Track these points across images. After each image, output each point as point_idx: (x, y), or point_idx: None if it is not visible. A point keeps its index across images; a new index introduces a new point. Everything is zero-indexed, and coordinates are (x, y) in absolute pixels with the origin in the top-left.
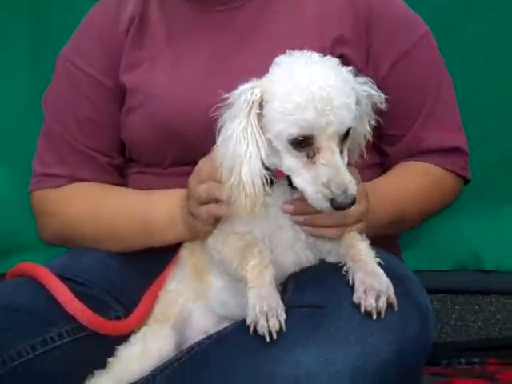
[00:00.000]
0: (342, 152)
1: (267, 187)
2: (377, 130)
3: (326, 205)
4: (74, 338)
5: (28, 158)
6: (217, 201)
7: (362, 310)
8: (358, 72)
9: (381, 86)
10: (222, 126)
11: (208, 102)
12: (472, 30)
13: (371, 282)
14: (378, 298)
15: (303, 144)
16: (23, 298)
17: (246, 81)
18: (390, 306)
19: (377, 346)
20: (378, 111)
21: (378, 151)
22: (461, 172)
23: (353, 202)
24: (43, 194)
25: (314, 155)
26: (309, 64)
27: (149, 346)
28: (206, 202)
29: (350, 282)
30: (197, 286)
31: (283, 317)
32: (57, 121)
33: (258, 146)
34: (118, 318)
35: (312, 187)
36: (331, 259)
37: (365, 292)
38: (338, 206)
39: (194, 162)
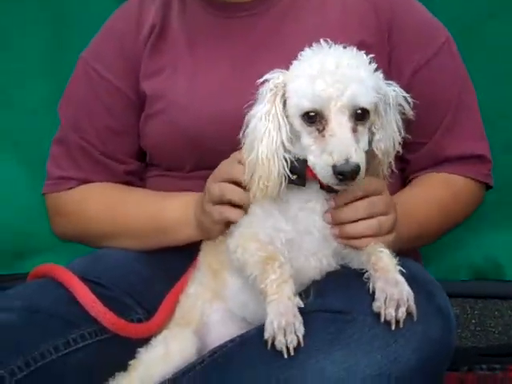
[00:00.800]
0: (355, 132)
1: (287, 170)
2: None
3: (330, 173)
4: (96, 340)
5: (44, 162)
6: (232, 204)
7: (382, 319)
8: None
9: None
10: (248, 120)
11: (228, 109)
12: (493, 35)
13: (392, 291)
14: (397, 308)
15: (314, 119)
16: (45, 300)
17: None
18: (409, 315)
19: (401, 352)
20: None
21: (399, 158)
22: (484, 179)
23: (355, 171)
24: (58, 196)
25: (324, 129)
26: (329, 48)
27: (170, 348)
28: (219, 203)
29: (371, 291)
30: (213, 285)
31: (301, 331)
32: (73, 126)
33: (279, 128)
34: (139, 320)
35: (319, 160)
36: (353, 266)
37: (385, 301)
38: (338, 172)
39: (214, 167)
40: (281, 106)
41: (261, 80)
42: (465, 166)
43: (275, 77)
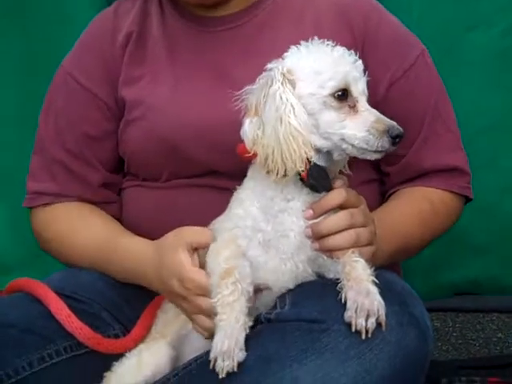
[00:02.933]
0: None
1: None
2: None
3: (384, 140)
4: (71, 356)
5: (18, 176)
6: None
7: (353, 329)
8: None
9: (380, 107)
10: (249, 107)
11: (208, 117)
12: (472, 48)
13: (362, 301)
14: (367, 318)
15: (343, 97)
16: (19, 314)
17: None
18: (380, 325)
19: (375, 361)
20: None
21: (377, 169)
22: (463, 192)
23: (403, 134)
24: (35, 213)
25: (355, 105)
26: (315, 42)
27: (143, 357)
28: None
29: (343, 300)
30: None
31: (239, 358)
32: (52, 135)
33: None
34: (116, 336)
35: (363, 131)
36: (330, 275)
37: (356, 311)
38: (396, 135)
39: (191, 176)
40: (291, 88)
41: (270, 65)
42: (443, 180)
43: (280, 64)
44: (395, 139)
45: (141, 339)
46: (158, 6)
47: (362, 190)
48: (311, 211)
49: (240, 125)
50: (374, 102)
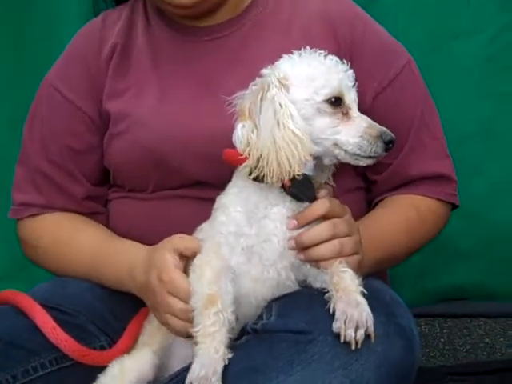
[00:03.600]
0: None
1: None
2: None
3: (377, 146)
4: (57, 368)
5: (3, 187)
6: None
7: (342, 340)
8: None
9: (366, 116)
10: (242, 111)
11: (193, 128)
12: (459, 56)
13: (352, 312)
14: (356, 329)
15: (336, 103)
16: (4, 327)
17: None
18: (368, 336)
19: (361, 371)
20: None
21: (363, 177)
22: (449, 199)
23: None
24: (22, 224)
25: (347, 112)
26: (306, 51)
27: (125, 365)
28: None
29: (331, 311)
30: None
31: None
32: (36, 147)
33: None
34: (102, 347)
35: (356, 137)
36: (316, 285)
37: (345, 322)
38: (389, 140)
39: (177, 187)
40: (286, 93)
41: (265, 71)
42: (429, 187)
43: (275, 71)
44: (388, 145)
45: (127, 350)
46: (144, 16)
47: (348, 197)
48: (295, 221)
49: (227, 134)
50: (360, 111)
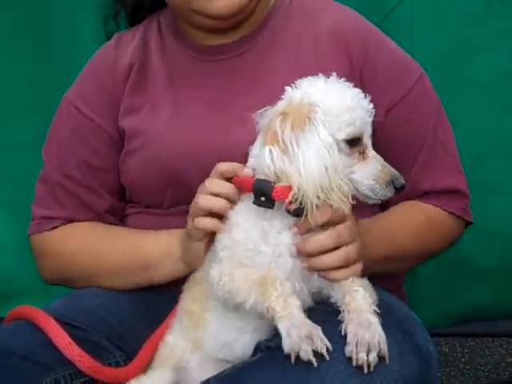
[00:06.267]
0: None
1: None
2: None
3: (388, 190)
4: None
5: (26, 203)
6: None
7: (354, 363)
8: None
9: (378, 131)
10: (269, 131)
11: (207, 145)
12: (477, 71)
13: (363, 334)
14: (369, 352)
15: (355, 142)
16: (20, 342)
17: (244, 126)
18: (381, 359)
19: None
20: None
21: None
22: (460, 214)
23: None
24: (42, 236)
25: (364, 151)
26: (330, 78)
27: (143, 382)
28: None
29: (343, 333)
30: (192, 333)
31: (326, 340)
32: (56, 165)
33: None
34: (117, 364)
35: (370, 179)
36: (331, 299)
37: (356, 345)
38: (400, 186)
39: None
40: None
41: (291, 91)
42: (441, 200)
43: (304, 94)
44: (398, 190)
45: (142, 368)
46: (158, 35)
47: (364, 213)
48: (296, 228)
49: (240, 152)
50: (373, 125)
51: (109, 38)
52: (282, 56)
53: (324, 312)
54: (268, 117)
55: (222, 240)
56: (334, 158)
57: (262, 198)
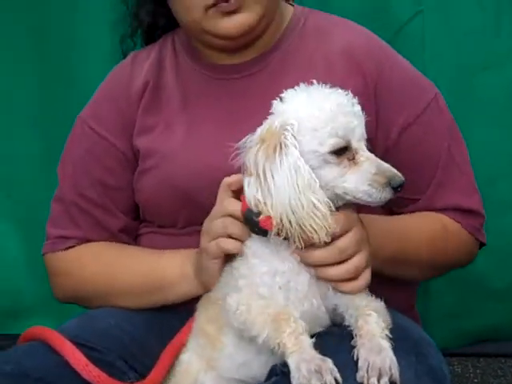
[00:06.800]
0: None
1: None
2: None
3: (386, 191)
4: None
5: (36, 221)
6: (230, 237)
7: None
8: (368, 136)
9: (392, 151)
10: (247, 165)
11: (221, 165)
12: (487, 87)
13: (374, 359)
14: (380, 377)
15: (342, 151)
16: (34, 363)
17: None
18: None
19: None
20: None
21: (388, 211)
22: (473, 232)
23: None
24: (56, 256)
25: (354, 157)
26: (313, 87)
27: None
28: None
29: (355, 358)
30: (208, 353)
31: (336, 372)
32: (71, 184)
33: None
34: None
35: (365, 185)
36: (347, 318)
37: (367, 370)
38: (397, 185)
39: None
40: (297, 145)
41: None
42: (456, 216)
43: (288, 123)
44: (397, 189)
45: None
46: (173, 54)
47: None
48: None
49: None
50: (385, 147)
51: (125, 56)
52: (294, 77)
53: (339, 336)
54: (248, 145)
55: (240, 268)
56: (305, 178)
57: (256, 228)
